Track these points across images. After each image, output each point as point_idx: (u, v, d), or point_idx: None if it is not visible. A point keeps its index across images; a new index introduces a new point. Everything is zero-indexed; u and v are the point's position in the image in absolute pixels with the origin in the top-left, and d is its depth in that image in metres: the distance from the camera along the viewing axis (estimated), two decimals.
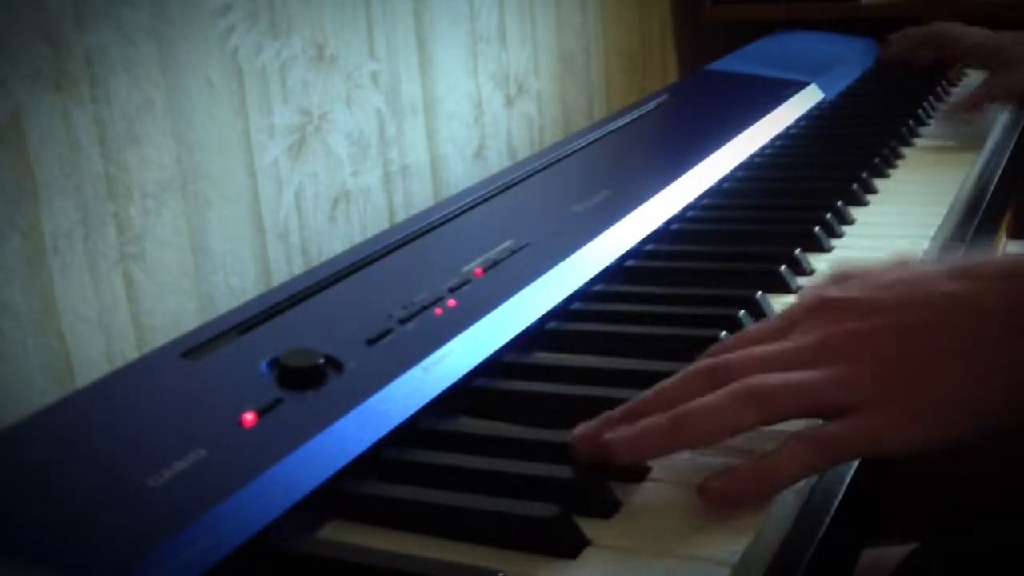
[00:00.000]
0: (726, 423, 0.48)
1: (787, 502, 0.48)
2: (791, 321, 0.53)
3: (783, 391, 0.48)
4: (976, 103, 1.10)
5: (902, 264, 0.55)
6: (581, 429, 0.51)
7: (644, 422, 0.49)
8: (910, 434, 0.47)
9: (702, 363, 0.51)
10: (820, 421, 0.49)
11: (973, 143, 1.06)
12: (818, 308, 0.52)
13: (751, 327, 0.57)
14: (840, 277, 0.55)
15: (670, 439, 0.48)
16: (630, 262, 0.76)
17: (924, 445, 0.47)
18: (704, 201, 0.89)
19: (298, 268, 0.86)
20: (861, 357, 0.48)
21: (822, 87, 1.21)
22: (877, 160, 0.97)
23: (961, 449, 0.48)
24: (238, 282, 0.81)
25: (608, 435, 0.49)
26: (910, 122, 1.11)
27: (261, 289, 0.81)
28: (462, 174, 1.08)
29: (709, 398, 0.48)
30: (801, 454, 0.47)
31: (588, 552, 0.45)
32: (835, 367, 0.48)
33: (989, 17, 1.39)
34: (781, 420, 0.49)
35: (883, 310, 0.50)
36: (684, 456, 0.51)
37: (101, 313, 0.70)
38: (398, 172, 0.98)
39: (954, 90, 1.30)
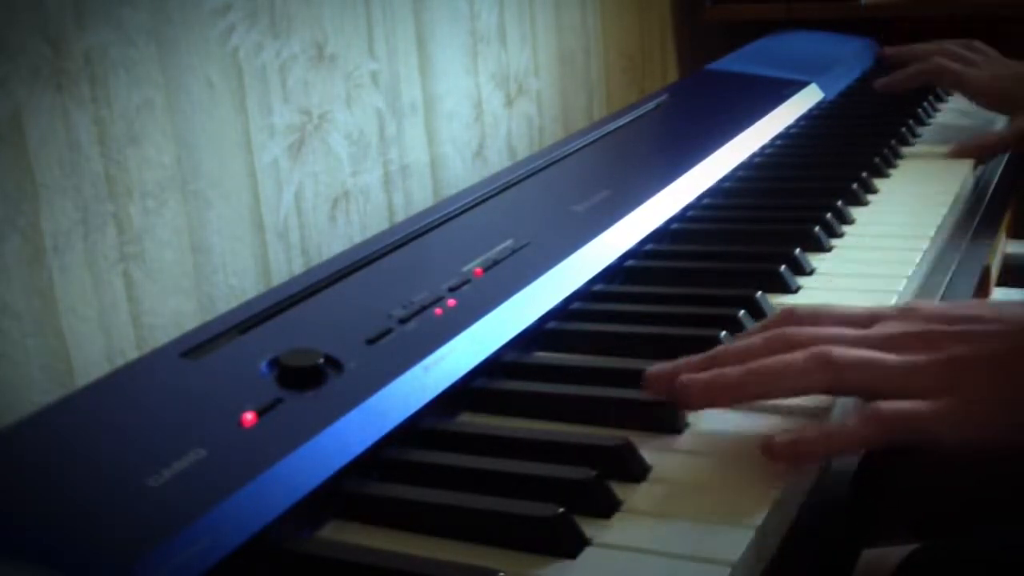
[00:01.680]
0: (798, 382, 0.52)
1: (789, 502, 0.48)
2: (876, 316, 0.56)
3: (857, 364, 0.52)
4: (984, 152, 1.03)
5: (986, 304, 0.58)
6: (657, 368, 0.55)
7: (721, 370, 0.53)
8: (964, 426, 0.50)
9: (786, 330, 0.55)
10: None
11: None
12: (905, 312, 0.56)
13: (831, 307, 0.59)
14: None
15: (742, 388, 0.53)
16: (630, 262, 0.76)
17: (977, 439, 0.50)
18: (704, 201, 0.89)
19: (298, 268, 0.86)
20: (935, 352, 0.52)
21: (822, 87, 1.21)
22: (877, 160, 0.97)
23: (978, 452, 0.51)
24: (238, 282, 0.81)
25: (685, 377, 0.53)
26: (910, 122, 1.11)
27: (261, 289, 0.81)
28: (462, 174, 1.08)
29: (788, 356, 0.52)
30: (866, 425, 0.50)
31: (588, 552, 0.45)
32: (909, 357, 0.52)
33: (988, 16, 1.39)
34: (845, 393, 0.54)
35: (966, 321, 0.53)
36: (685, 456, 0.51)
37: (101, 313, 0.70)
38: (398, 172, 0.98)
39: (949, 98, 1.30)
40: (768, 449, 0.50)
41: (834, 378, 0.52)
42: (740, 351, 0.55)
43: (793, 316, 0.58)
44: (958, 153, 1.01)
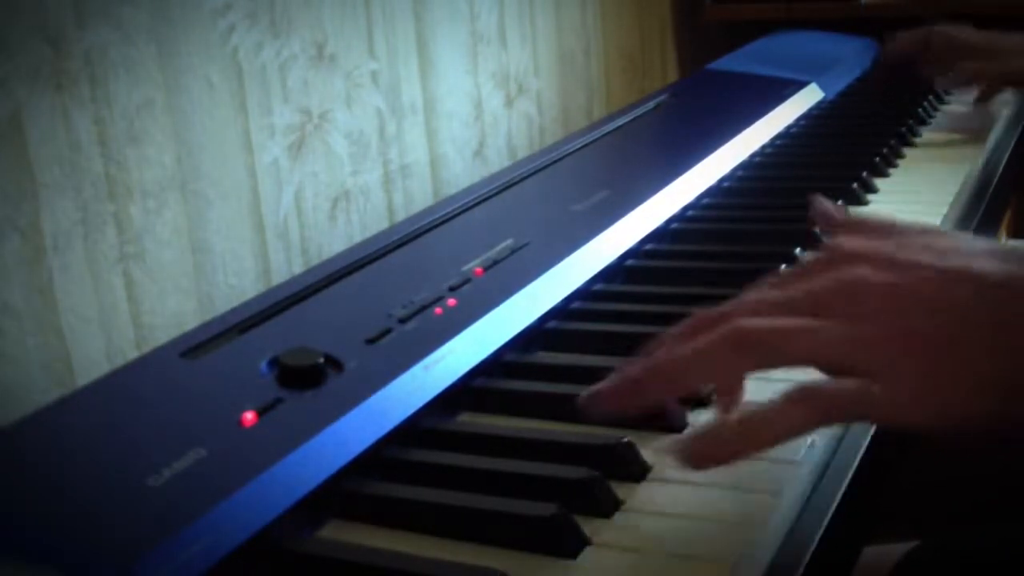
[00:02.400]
0: (712, 366, 0.45)
1: (788, 501, 0.48)
2: (803, 271, 0.48)
3: (772, 334, 0.44)
4: (983, 95, 1.12)
5: (933, 231, 0.50)
6: (589, 402, 0.49)
7: (629, 369, 0.47)
8: (929, 408, 0.43)
9: (696, 313, 0.48)
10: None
11: (973, 142, 1.06)
12: (832, 257, 0.47)
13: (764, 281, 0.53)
14: (862, 228, 0.51)
15: (648, 386, 0.46)
16: (630, 261, 0.76)
17: (942, 421, 0.43)
18: (704, 200, 0.89)
19: (298, 267, 0.86)
20: (877, 315, 0.44)
21: (822, 86, 1.21)
22: (877, 159, 0.97)
23: (971, 441, 0.46)
24: (238, 281, 0.81)
25: (585, 394, 0.47)
26: (910, 121, 1.11)
27: (261, 288, 0.81)
28: (462, 174, 1.08)
29: (690, 344, 0.45)
30: (794, 414, 0.43)
31: (588, 552, 0.45)
32: (836, 318, 0.44)
33: (988, 15, 1.39)
34: (774, 367, 0.45)
35: (907, 269, 0.45)
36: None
37: (101, 312, 0.70)
38: (398, 171, 0.98)
39: (949, 98, 1.30)
40: (682, 454, 0.45)
41: (756, 357, 0.45)
42: (656, 345, 0.48)
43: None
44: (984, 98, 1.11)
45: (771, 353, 0.45)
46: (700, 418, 0.55)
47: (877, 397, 0.43)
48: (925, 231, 0.50)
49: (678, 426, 0.54)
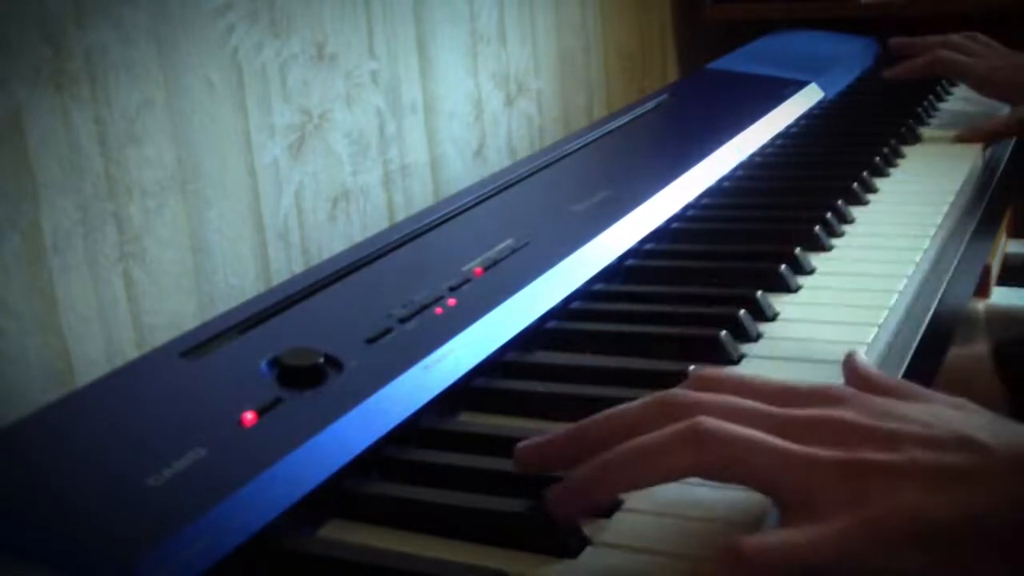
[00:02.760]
0: (663, 467, 0.43)
1: None
2: (787, 393, 0.47)
3: (735, 444, 0.42)
4: (990, 136, 1.06)
5: (938, 402, 0.47)
6: (524, 444, 0.48)
7: (572, 475, 0.45)
8: (861, 557, 0.39)
9: (664, 393, 0.46)
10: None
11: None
12: (826, 393, 0.46)
13: (740, 372, 0.51)
14: (866, 388, 0.48)
15: (603, 487, 0.45)
16: (630, 261, 0.76)
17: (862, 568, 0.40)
18: (704, 200, 0.89)
19: (298, 267, 0.86)
20: (844, 449, 0.42)
21: (822, 86, 1.21)
22: (877, 159, 0.97)
23: None
24: (238, 281, 0.81)
25: (547, 493, 0.45)
26: (910, 121, 1.11)
27: (261, 288, 0.81)
28: (462, 173, 1.08)
29: (649, 437, 0.43)
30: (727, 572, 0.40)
31: (588, 551, 0.45)
32: (808, 447, 0.42)
33: (988, 15, 1.39)
34: (727, 479, 0.43)
35: (894, 418, 0.44)
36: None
37: (101, 312, 0.70)
38: (398, 171, 0.98)
39: (954, 88, 1.30)
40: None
41: (702, 457, 0.42)
42: (609, 420, 0.46)
43: (695, 379, 0.49)
44: (965, 138, 1.04)
45: (725, 461, 0.42)
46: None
47: (815, 548, 0.39)
48: (931, 401, 0.47)
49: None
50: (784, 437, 0.43)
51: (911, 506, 0.40)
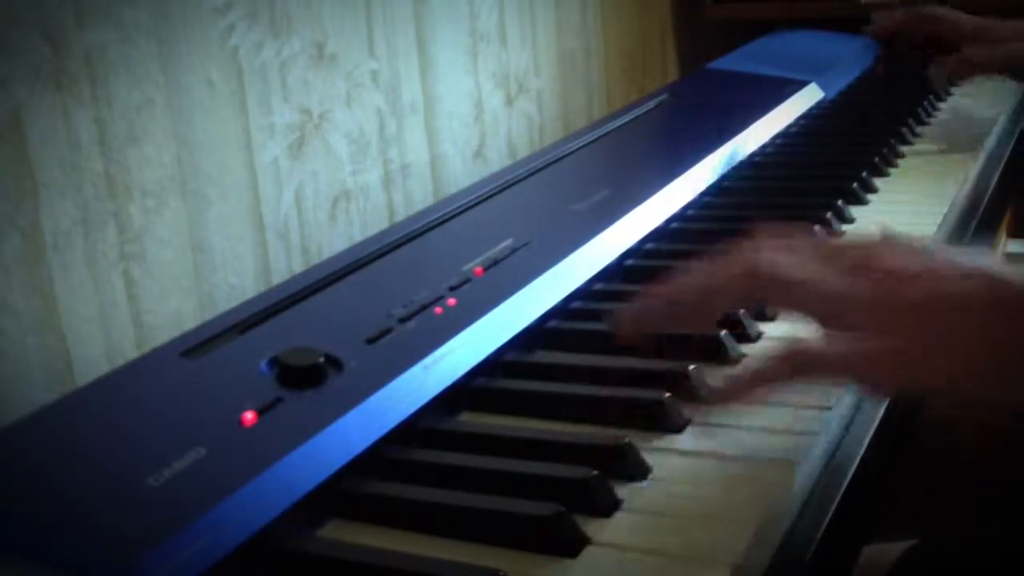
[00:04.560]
0: (719, 293, 0.50)
1: (789, 501, 0.48)
2: (833, 248, 0.52)
3: (783, 278, 0.48)
4: (958, 70, 1.09)
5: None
6: (621, 325, 0.54)
7: (645, 303, 0.52)
8: (895, 372, 0.47)
9: (732, 250, 0.52)
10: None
11: (973, 141, 1.06)
12: (868, 257, 0.51)
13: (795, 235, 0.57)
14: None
15: (667, 312, 0.52)
16: (630, 261, 0.76)
17: (910, 386, 0.49)
18: (704, 200, 0.89)
19: (298, 267, 0.86)
20: (883, 289, 0.48)
21: (822, 86, 1.21)
22: (877, 159, 0.97)
23: (959, 444, 0.48)
24: (238, 281, 0.81)
25: (617, 311, 0.53)
26: (910, 121, 1.11)
27: (261, 288, 0.81)
28: (462, 173, 1.08)
29: (719, 271, 0.50)
30: (787, 364, 0.48)
31: (588, 551, 0.45)
32: (853, 284, 0.48)
33: (989, 9, 1.39)
34: (777, 306, 0.52)
35: (926, 263, 0.49)
36: (685, 456, 0.51)
37: (101, 312, 0.70)
38: (398, 171, 0.98)
39: (953, 89, 1.30)
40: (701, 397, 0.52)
41: (758, 289, 0.49)
42: (685, 275, 0.53)
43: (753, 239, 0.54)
44: (955, 71, 1.09)
45: (778, 292, 0.49)
46: (701, 419, 0.55)
47: (860, 362, 0.47)
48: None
49: (678, 427, 0.54)
50: (831, 273, 0.49)
51: (943, 329, 0.46)
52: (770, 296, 0.51)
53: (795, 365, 0.48)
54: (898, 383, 0.48)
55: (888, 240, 0.52)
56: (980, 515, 0.78)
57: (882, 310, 0.47)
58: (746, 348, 0.62)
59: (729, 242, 0.52)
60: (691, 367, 0.57)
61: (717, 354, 0.60)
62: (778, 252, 0.50)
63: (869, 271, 0.49)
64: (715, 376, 0.58)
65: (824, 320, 0.49)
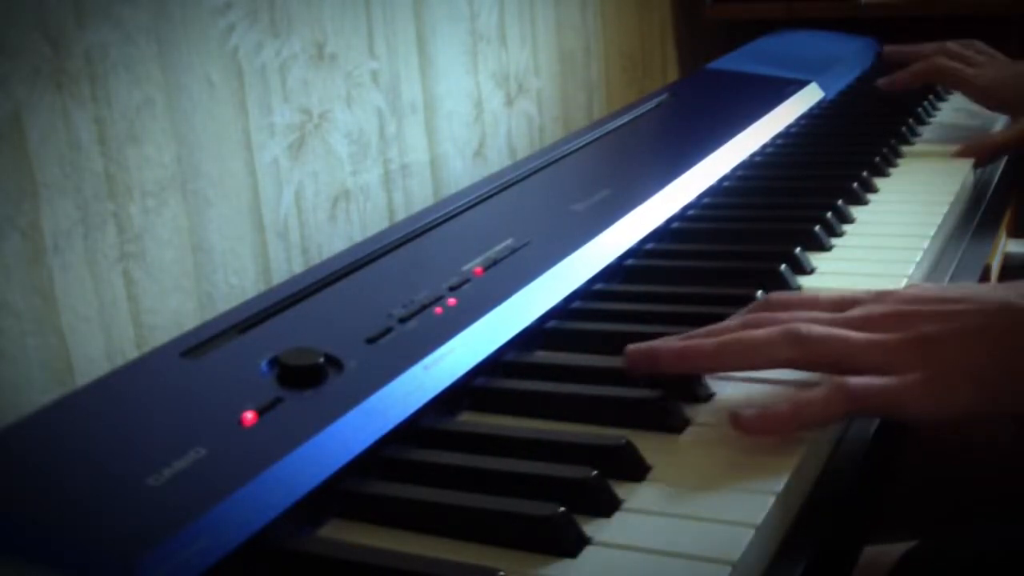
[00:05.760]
0: (764, 353, 0.54)
1: (789, 501, 0.48)
2: (852, 300, 0.58)
3: (825, 339, 0.53)
4: (986, 153, 1.02)
5: (960, 287, 0.59)
6: (634, 345, 0.58)
7: (691, 340, 0.56)
8: (932, 400, 0.51)
9: (762, 313, 0.58)
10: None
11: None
12: (881, 296, 0.57)
13: (809, 293, 0.62)
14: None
15: (712, 357, 0.55)
16: (630, 261, 0.76)
17: (946, 413, 0.51)
18: (704, 200, 0.89)
19: (298, 267, 0.86)
20: (905, 331, 0.53)
21: (822, 86, 1.21)
22: (877, 159, 0.97)
23: (959, 444, 0.49)
24: (238, 281, 0.81)
25: (660, 343, 0.57)
26: (910, 121, 1.11)
27: (261, 288, 0.81)
28: (462, 173, 1.08)
29: (761, 331, 0.55)
30: (834, 398, 0.51)
31: (588, 551, 0.45)
32: (879, 335, 0.53)
33: (988, 16, 1.39)
34: (815, 368, 0.55)
35: (939, 302, 0.55)
36: (685, 456, 0.51)
37: (101, 312, 0.70)
38: (398, 171, 0.98)
39: (949, 97, 1.30)
40: (736, 421, 0.52)
41: (802, 352, 0.54)
42: (716, 330, 0.57)
43: (770, 301, 0.60)
44: (962, 154, 1.01)
45: (814, 352, 0.54)
46: (700, 418, 0.55)
47: (898, 392, 0.51)
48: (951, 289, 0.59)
49: (678, 427, 0.54)
50: (859, 330, 0.54)
51: (965, 358, 0.51)
52: (812, 361, 0.54)
53: (850, 398, 0.51)
54: (934, 413, 0.52)
55: (906, 296, 0.57)
56: (980, 515, 0.78)
57: (912, 350, 0.52)
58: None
59: (750, 309, 0.59)
60: None
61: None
62: (804, 318, 0.56)
63: (889, 318, 0.54)
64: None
65: (859, 371, 0.52)
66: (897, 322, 0.54)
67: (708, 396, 0.57)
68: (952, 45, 1.15)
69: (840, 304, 0.58)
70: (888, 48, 1.25)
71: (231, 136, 0.80)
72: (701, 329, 0.58)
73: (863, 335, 0.54)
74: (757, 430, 0.52)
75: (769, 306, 0.60)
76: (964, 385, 0.51)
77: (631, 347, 0.57)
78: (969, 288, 0.57)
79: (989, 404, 0.51)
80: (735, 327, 0.57)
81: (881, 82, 1.17)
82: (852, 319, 0.55)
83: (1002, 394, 0.51)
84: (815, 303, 0.59)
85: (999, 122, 1.13)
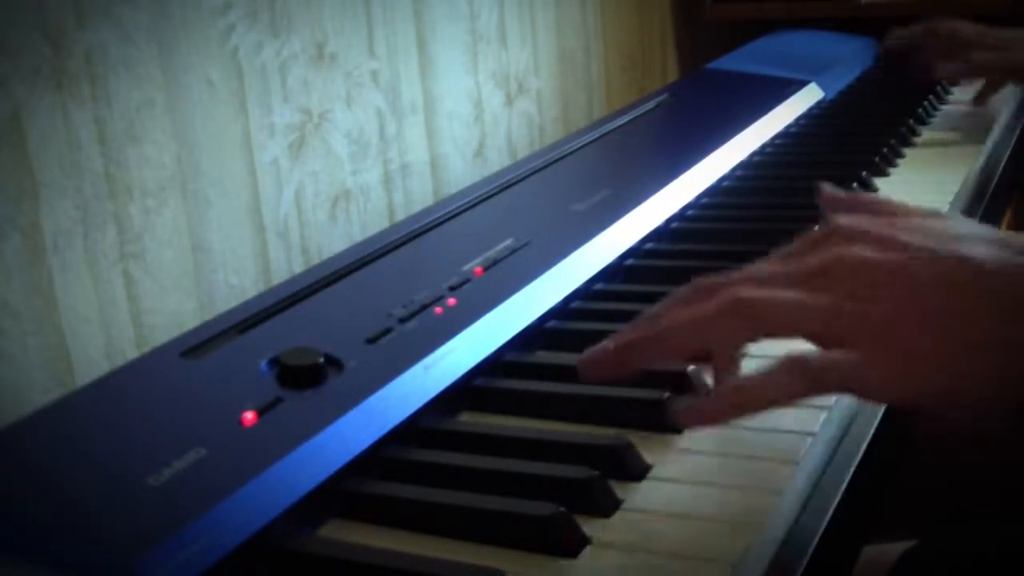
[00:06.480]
0: (709, 333, 0.48)
1: (789, 500, 0.48)
2: (803, 246, 0.51)
3: (768, 305, 0.47)
4: (984, 92, 1.11)
5: (935, 215, 0.52)
6: (583, 354, 0.52)
7: (628, 333, 0.50)
8: (895, 383, 0.45)
9: (698, 280, 0.51)
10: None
11: (974, 141, 1.06)
12: (832, 233, 0.50)
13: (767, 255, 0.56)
14: (864, 208, 0.53)
15: (654, 348, 0.49)
16: (630, 261, 0.76)
17: (906, 398, 0.45)
18: (704, 200, 0.89)
19: (298, 267, 0.86)
20: (870, 291, 0.46)
21: (822, 86, 1.21)
22: (877, 159, 0.97)
23: (959, 444, 0.47)
24: (238, 281, 0.81)
25: (599, 348, 0.51)
26: (910, 121, 1.11)
27: (261, 288, 0.81)
28: (462, 173, 1.08)
29: (694, 308, 0.48)
30: (784, 382, 0.46)
31: (588, 551, 0.45)
32: (831, 293, 0.46)
33: (988, 16, 1.39)
34: (770, 336, 0.48)
35: (904, 250, 0.47)
36: (685, 456, 0.51)
37: (101, 312, 0.70)
38: (398, 171, 0.98)
39: (954, 88, 1.30)
40: (673, 415, 0.48)
41: (752, 325, 0.47)
42: (656, 310, 0.52)
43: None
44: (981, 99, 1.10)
45: (763, 322, 0.47)
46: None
47: (863, 371, 0.45)
48: (928, 215, 0.52)
49: (679, 427, 0.54)
50: (808, 289, 0.47)
51: (923, 335, 0.44)
52: (758, 329, 0.48)
53: (809, 379, 0.45)
54: (897, 398, 0.46)
55: (845, 230, 0.49)
56: (980, 515, 0.78)
57: (858, 323, 0.45)
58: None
59: (694, 281, 0.52)
60: (690, 367, 0.57)
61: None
62: (753, 281, 0.49)
63: (837, 275, 0.47)
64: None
65: (821, 342, 0.47)
66: (851, 272, 0.46)
67: (709, 395, 0.57)
68: (943, 28, 1.17)
69: (785, 254, 0.51)
70: (889, 41, 1.26)
71: (231, 136, 0.80)
72: (649, 311, 0.52)
73: (815, 296, 0.46)
74: (694, 422, 0.49)
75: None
76: (947, 373, 0.44)
77: (580, 358, 0.52)
78: (961, 229, 0.49)
79: (981, 396, 0.44)
80: (672, 301, 0.51)
81: (886, 44, 1.22)
82: (800, 270, 0.48)
83: (969, 380, 0.44)
84: (773, 257, 0.52)
85: (999, 122, 1.13)
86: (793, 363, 0.46)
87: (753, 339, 0.48)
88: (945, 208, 0.84)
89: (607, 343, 0.51)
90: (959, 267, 0.45)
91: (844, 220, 0.50)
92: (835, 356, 0.45)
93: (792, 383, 0.46)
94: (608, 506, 0.47)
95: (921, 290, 0.45)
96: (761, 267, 0.50)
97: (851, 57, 1.37)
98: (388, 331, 0.58)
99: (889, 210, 0.53)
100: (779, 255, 0.52)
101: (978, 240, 0.47)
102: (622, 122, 1.06)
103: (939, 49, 1.18)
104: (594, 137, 1.00)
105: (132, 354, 0.71)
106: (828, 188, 0.57)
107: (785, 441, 0.52)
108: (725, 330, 0.48)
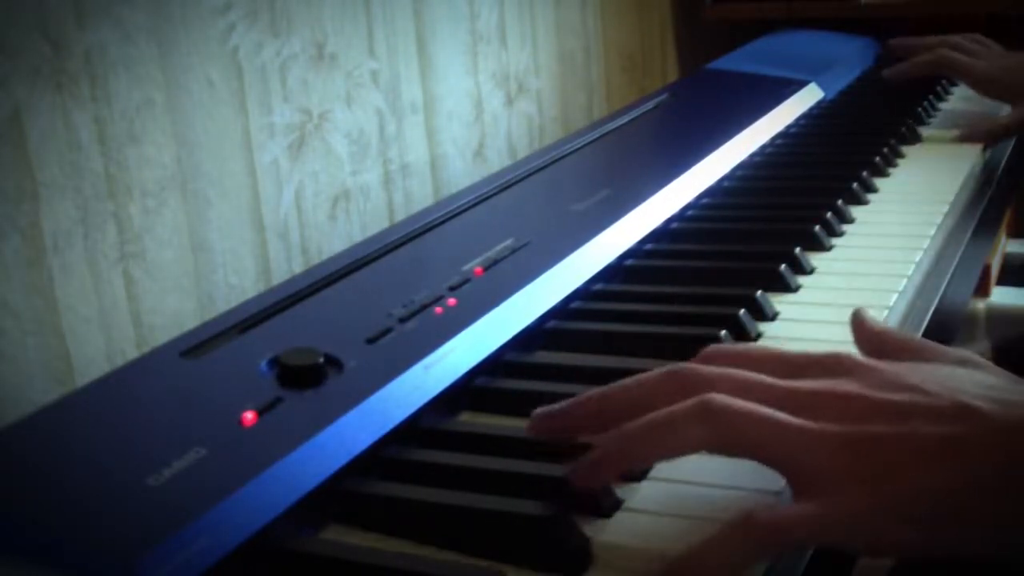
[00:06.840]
0: (676, 442, 0.44)
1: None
2: (798, 364, 0.48)
3: (744, 419, 0.43)
4: (991, 136, 1.05)
5: (963, 361, 0.48)
6: (544, 409, 0.50)
7: (594, 451, 0.46)
8: (865, 532, 0.41)
9: (679, 367, 0.48)
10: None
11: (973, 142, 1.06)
12: (831, 363, 0.47)
13: (754, 346, 0.53)
14: (875, 349, 0.51)
15: (621, 461, 0.46)
16: (630, 261, 0.76)
17: (874, 547, 0.42)
18: (704, 200, 0.89)
19: (298, 267, 0.86)
20: (850, 422, 0.43)
21: (822, 86, 1.21)
22: (877, 159, 0.97)
23: None
24: (238, 281, 0.81)
25: (567, 470, 0.47)
26: (910, 121, 1.11)
27: (261, 288, 0.81)
28: (462, 173, 1.08)
29: (662, 413, 0.45)
30: (736, 539, 0.41)
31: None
32: (814, 421, 0.43)
33: (988, 16, 1.39)
34: (737, 454, 0.45)
35: (898, 389, 0.44)
36: (687, 456, 0.51)
37: (101, 312, 0.70)
38: (398, 171, 0.98)
39: (953, 88, 1.30)
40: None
41: (712, 433, 0.43)
42: (627, 392, 0.48)
43: (710, 354, 0.50)
44: (966, 138, 1.04)
45: (735, 437, 0.44)
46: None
47: (816, 519, 0.41)
48: (956, 360, 0.48)
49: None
50: (792, 411, 0.44)
51: (913, 479, 0.41)
52: (725, 445, 0.44)
53: (758, 543, 0.41)
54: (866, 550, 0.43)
55: (855, 362, 0.47)
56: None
57: (847, 457, 0.42)
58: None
59: (672, 370, 0.48)
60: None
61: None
62: (732, 381, 0.45)
63: (834, 401, 0.44)
64: None
65: (785, 472, 0.44)
66: (844, 406, 0.44)
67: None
68: (955, 37, 1.18)
69: (791, 366, 0.48)
70: (895, 41, 1.26)
71: (231, 136, 0.80)
72: (610, 387, 0.48)
73: (797, 420, 0.43)
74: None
75: (706, 358, 0.49)
76: (903, 525, 0.41)
77: (539, 412, 0.50)
78: (967, 378, 0.46)
79: (934, 546, 0.41)
80: (648, 390, 0.47)
81: (887, 72, 1.21)
82: (786, 389, 0.45)
83: (954, 520, 0.41)
84: (762, 358, 0.48)
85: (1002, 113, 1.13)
86: (742, 523, 0.42)
87: (717, 451, 0.45)
88: (945, 208, 0.84)
89: (565, 423, 0.49)
90: (963, 418, 0.42)
91: (847, 355, 0.48)
92: (791, 512, 0.42)
93: (747, 549, 0.42)
94: (608, 506, 0.47)
95: (906, 431, 0.42)
96: (744, 372, 0.47)
97: (851, 57, 1.37)
98: (388, 331, 0.58)
99: (906, 349, 0.50)
100: (765, 355, 0.49)
101: (984, 391, 0.44)
102: (622, 122, 1.06)
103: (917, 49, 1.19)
104: (594, 137, 1.00)
105: (132, 354, 0.71)
106: (861, 315, 0.53)
107: None
108: (689, 437, 0.44)
